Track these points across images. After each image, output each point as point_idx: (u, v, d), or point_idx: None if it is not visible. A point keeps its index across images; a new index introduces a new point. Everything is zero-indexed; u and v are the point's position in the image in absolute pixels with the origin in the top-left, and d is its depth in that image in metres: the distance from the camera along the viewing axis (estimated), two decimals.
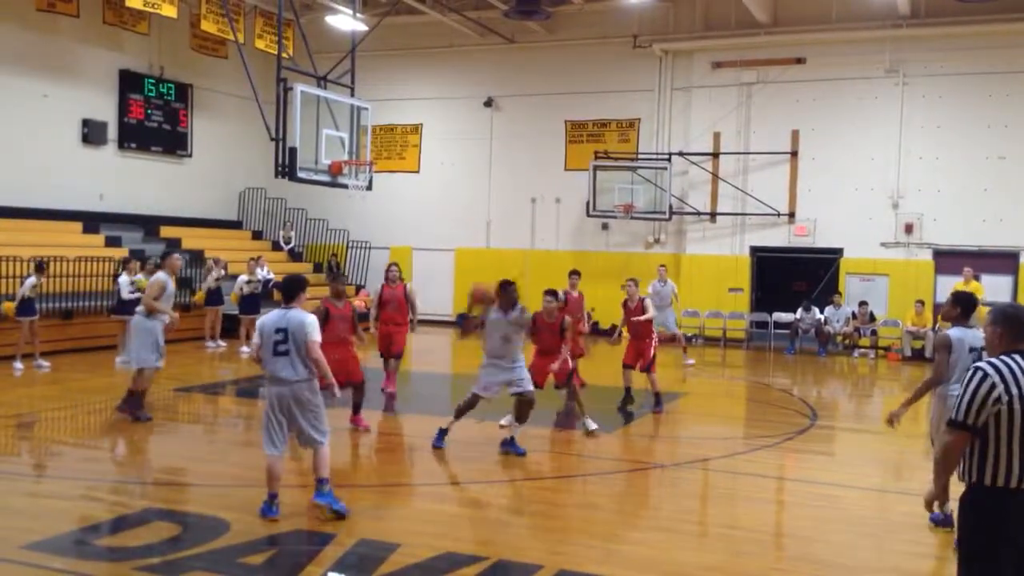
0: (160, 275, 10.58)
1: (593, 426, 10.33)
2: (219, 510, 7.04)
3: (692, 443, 10.72)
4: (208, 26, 19.50)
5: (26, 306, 14.02)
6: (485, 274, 23.07)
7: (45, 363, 14.36)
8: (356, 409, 10.22)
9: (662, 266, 18.42)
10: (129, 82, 21.37)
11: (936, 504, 4.29)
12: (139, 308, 10.56)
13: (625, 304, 12.20)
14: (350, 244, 24.00)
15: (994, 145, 19.10)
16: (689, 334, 19.14)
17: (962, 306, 7.05)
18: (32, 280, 14.07)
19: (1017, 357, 4.13)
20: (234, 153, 23.91)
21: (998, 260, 19.03)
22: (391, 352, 12.48)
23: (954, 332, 6.95)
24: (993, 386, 4.03)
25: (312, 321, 6.90)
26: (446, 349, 19.98)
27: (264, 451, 6.90)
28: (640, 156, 21.85)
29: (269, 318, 6.94)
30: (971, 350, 6.75)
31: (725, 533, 7.11)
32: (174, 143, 22.70)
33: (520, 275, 14.10)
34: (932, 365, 7.32)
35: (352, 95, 16.46)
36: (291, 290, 7.04)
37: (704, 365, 17.50)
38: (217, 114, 23.48)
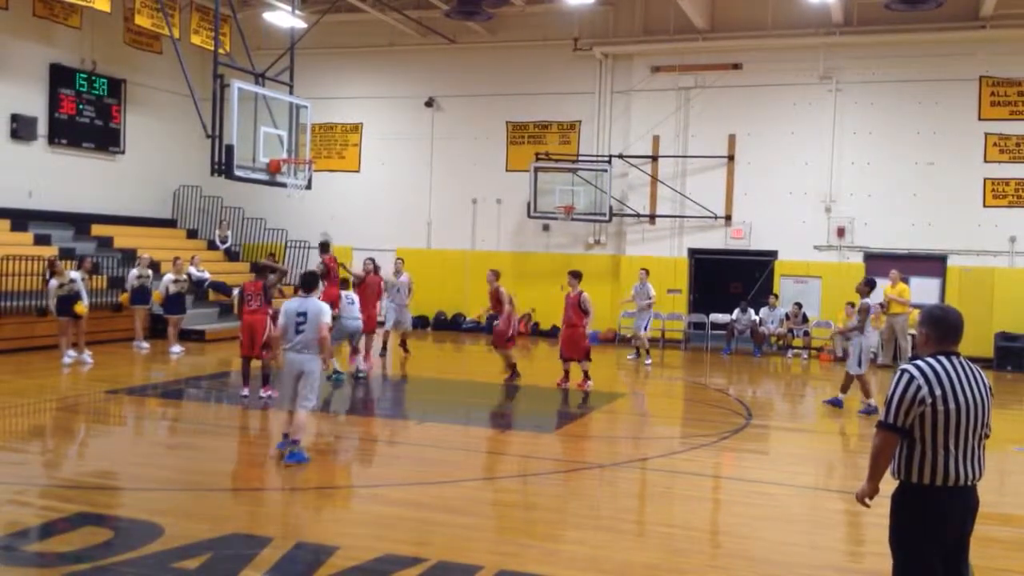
0: None
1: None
2: (152, 514, 6.90)
3: (630, 443, 10.84)
4: (142, 21, 19.09)
5: None
6: (427, 275, 23.14)
7: None
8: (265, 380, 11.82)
9: (643, 269, 18.54)
10: (60, 76, 20.81)
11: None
12: None
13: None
14: (288, 243, 23.72)
15: (923, 151, 19.64)
16: (628, 335, 19.27)
17: (868, 286, 12.78)
18: None
19: (943, 358, 4.25)
20: (168, 150, 23.44)
21: (926, 263, 19.57)
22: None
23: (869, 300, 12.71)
24: (919, 388, 4.16)
25: (327, 308, 8.76)
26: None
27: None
28: (581, 158, 21.98)
29: (290, 304, 8.81)
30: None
31: (663, 531, 7.20)
32: (106, 139, 22.16)
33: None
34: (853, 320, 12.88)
35: (291, 93, 16.27)
36: (309, 282, 8.96)
37: (643, 365, 17.66)
38: (151, 110, 23.00)
